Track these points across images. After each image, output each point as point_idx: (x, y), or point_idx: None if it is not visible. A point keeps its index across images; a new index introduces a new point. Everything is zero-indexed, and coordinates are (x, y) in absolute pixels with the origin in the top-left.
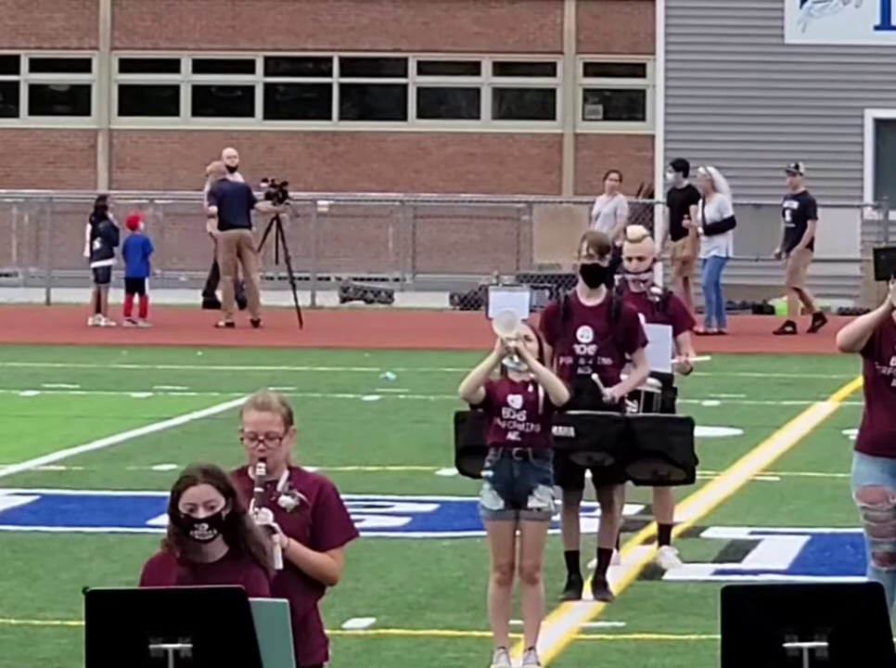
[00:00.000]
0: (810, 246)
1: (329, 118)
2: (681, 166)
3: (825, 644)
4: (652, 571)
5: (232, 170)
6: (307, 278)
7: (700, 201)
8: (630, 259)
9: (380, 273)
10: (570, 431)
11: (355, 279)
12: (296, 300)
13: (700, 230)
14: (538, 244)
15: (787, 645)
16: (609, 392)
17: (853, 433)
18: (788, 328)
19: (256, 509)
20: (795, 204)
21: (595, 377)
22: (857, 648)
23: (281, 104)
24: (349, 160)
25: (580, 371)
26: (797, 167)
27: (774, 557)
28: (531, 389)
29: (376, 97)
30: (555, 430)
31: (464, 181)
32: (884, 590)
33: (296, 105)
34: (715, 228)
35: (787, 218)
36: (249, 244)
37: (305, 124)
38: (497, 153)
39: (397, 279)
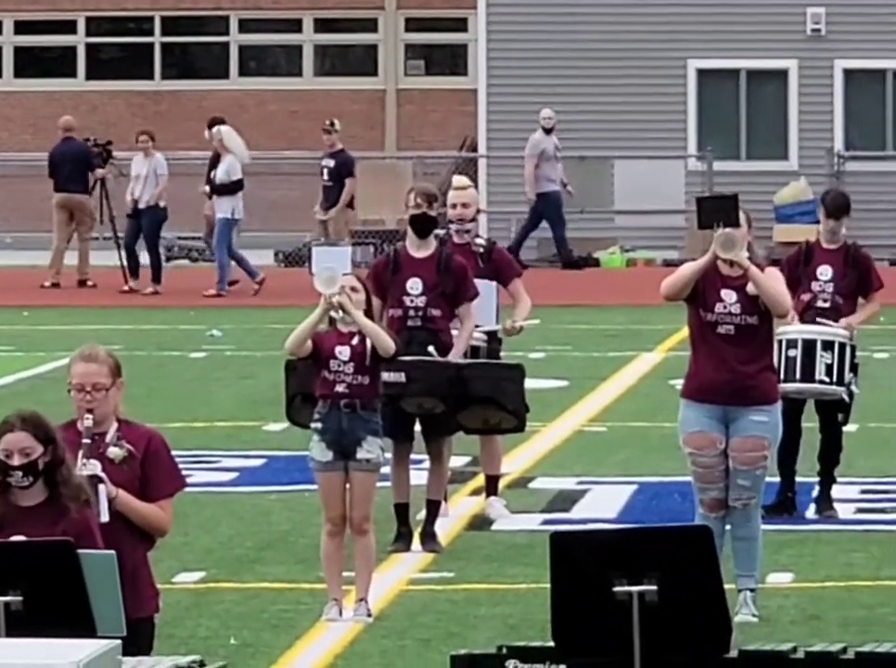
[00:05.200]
0: (350, 204)
1: (152, 77)
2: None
3: (654, 587)
4: (480, 522)
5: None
6: None
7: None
8: (454, 205)
9: (203, 231)
10: (401, 377)
11: (179, 238)
12: (121, 259)
13: (207, 190)
14: (361, 200)
15: (616, 589)
16: (443, 361)
17: (679, 383)
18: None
19: (84, 460)
20: (332, 163)
21: (430, 349)
22: (687, 590)
23: (103, 64)
24: (171, 120)
25: (409, 323)
26: (332, 124)
27: (602, 506)
28: (357, 340)
29: (197, 56)
30: (385, 375)
31: (286, 138)
32: (713, 533)
33: (118, 65)
34: (223, 190)
35: (325, 176)
36: (81, 208)
37: (127, 84)
38: (319, 110)
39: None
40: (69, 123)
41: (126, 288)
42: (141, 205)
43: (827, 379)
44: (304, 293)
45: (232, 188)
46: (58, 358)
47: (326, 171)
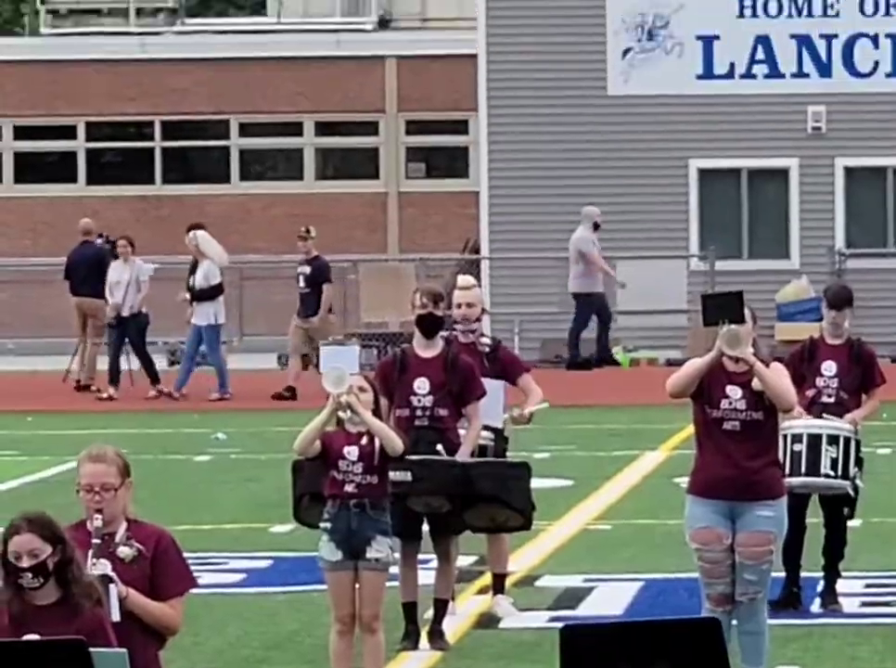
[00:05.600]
0: (329, 310)
1: (153, 182)
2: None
3: None
4: (488, 620)
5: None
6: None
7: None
8: (459, 305)
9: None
10: (407, 476)
11: (182, 343)
12: (128, 363)
13: (187, 297)
14: (364, 302)
15: None
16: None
17: (683, 481)
18: (287, 393)
19: (94, 560)
20: (308, 269)
21: (439, 447)
22: None
23: (104, 168)
24: (173, 224)
25: (417, 423)
26: (307, 231)
27: (609, 603)
28: (366, 440)
29: (198, 160)
30: (391, 474)
31: (289, 242)
32: (721, 624)
33: (119, 169)
34: (202, 295)
35: (301, 284)
36: (94, 312)
37: (129, 189)
38: (322, 213)
39: (225, 342)
40: (87, 226)
41: (106, 395)
42: (125, 312)
43: (833, 473)
44: (309, 396)
45: (211, 294)
46: (64, 462)
47: (302, 278)
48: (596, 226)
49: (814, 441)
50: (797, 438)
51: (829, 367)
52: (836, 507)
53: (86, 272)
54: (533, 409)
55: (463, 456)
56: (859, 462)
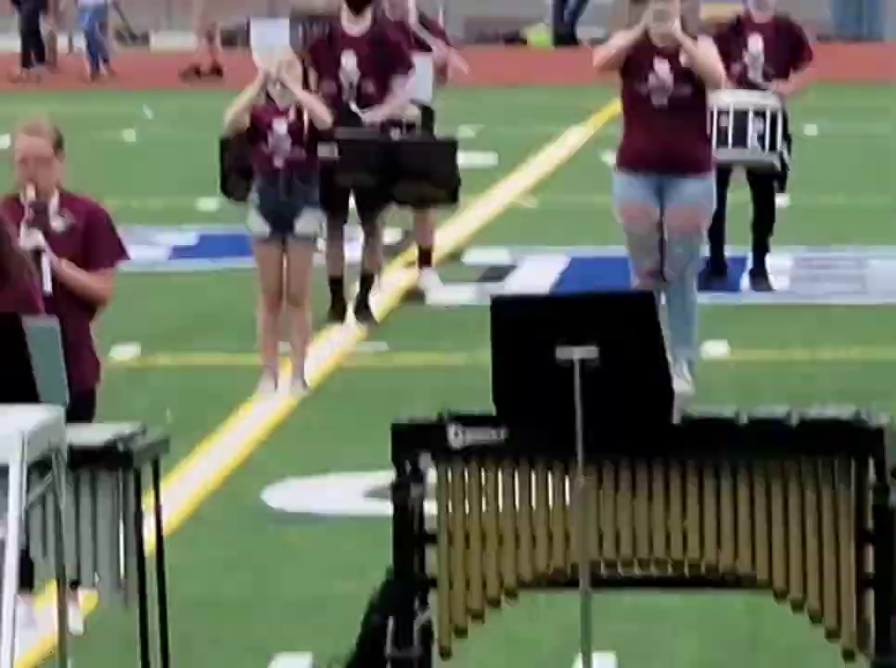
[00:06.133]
0: None
1: None
2: None
3: (595, 351)
4: (414, 295)
5: None
6: None
7: None
8: None
9: (136, 14)
10: (334, 152)
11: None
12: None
13: None
14: None
15: (558, 353)
16: (368, 117)
17: (610, 158)
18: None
19: (27, 231)
20: None
21: (352, 106)
22: (629, 355)
23: None
24: None
25: (344, 98)
26: None
27: (536, 277)
28: (294, 115)
29: None
30: (319, 150)
31: None
32: (654, 297)
33: None
34: None
35: None
36: None
37: None
38: None
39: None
40: None
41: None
42: None
43: (760, 146)
44: (241, 74)
45: None
46: None
47: None
48: None
49: (741, 114)
50: (723, 112)
51: (756, 43)
52: (765, 182)
53: None
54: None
55: (376, 115)
56: (787, 137)
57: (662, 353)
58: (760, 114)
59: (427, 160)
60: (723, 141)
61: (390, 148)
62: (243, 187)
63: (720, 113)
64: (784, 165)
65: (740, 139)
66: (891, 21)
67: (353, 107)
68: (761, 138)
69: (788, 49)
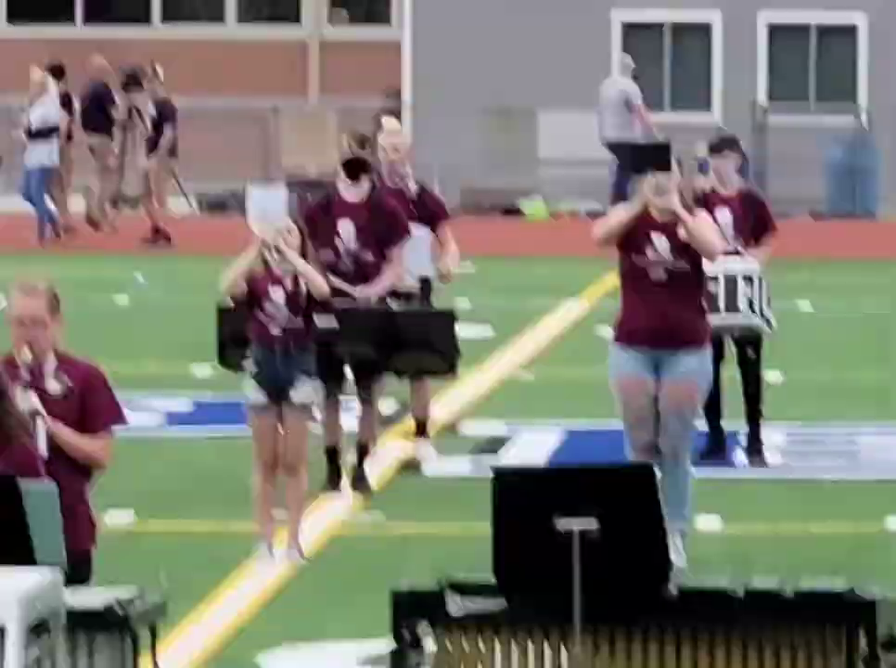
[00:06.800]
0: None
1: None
2: None
3: (595, 523)
4: (410, 466)
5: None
6: None
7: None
8: (385, 149)
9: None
10: (333, 322)
11: None
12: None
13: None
14: (285, 149)
15: (558, 525)
16: (359, 292)
17: (606, 331)
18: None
19: (22, 394)
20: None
21: (337, 282)
22: (628, 527)
23: (25, 8)
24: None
25: (341, 267)
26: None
27: (532, 449)
28: (291, 282)
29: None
30: (316, 320)
31: (209, 85)
32: (654, 470)
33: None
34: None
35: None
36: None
37: (48, 30)
38: (243, 57)
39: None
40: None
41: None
42: None
43: (750, 311)
44: (230, 240)
45: (46, 134)
46: None
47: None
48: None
49: (731, 280)
50: (710, 278)
51: (723, 215)
52: (749, 351)
53: None
54: (456, 270)
55: (375, 290)
56: (769, 301)
57: (662, 526)
58: (748, 279)
59: (426, 331)
60: (715, 307)
61: (388, 319)
62: (238, 356)
63: (708, 279)
64: (770, 329)
65: (732, 305)
66: (884, 200)
67: (339, 283)
68: (751, 304)
69: (755, 221)
